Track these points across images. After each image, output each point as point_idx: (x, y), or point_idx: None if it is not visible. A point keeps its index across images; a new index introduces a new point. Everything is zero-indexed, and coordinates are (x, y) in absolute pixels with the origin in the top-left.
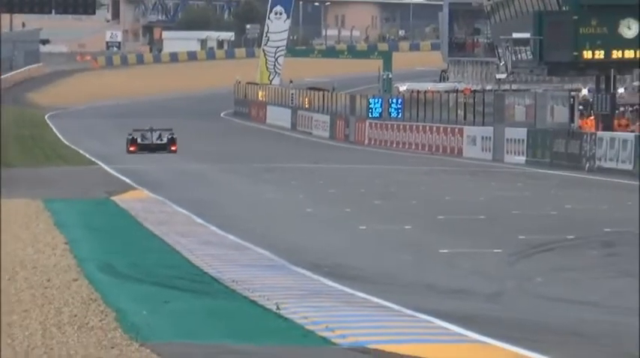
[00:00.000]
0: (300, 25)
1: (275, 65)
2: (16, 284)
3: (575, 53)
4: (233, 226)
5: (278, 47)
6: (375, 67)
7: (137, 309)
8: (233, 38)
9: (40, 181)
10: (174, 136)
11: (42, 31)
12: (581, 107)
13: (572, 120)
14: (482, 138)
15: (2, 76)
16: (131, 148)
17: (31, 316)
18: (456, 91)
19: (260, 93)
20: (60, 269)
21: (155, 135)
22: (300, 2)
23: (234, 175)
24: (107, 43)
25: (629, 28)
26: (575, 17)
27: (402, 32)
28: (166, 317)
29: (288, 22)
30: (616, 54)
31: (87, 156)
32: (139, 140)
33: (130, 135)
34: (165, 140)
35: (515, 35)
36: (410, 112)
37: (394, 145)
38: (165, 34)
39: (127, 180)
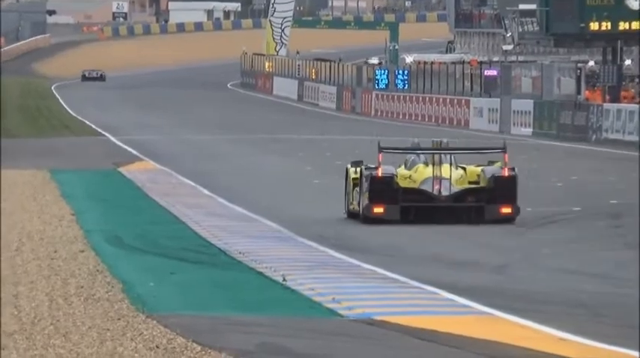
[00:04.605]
0: None
1: (281, 36)
2: (22, 255)
3: (582, 24)
4: (239, 197)
5: (284, 18)
6: (382, 38)
7: (144, 281)
8: (239, 9)
9: (47, 152)
10: (103, 74)
11: (48, 2)
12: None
13: (578, 91)
14: (489, 109)
15: (8, 47)
16: (83, 79)
17: (37, 287)
18: (463, 63)
19: (267, 64)
20: (66, 241)
21: (94, 73)
22: None
23: (240, 146)
24: (114, 13)
25: None
26: None
27: (408, 3)
28: (173, 289)
29: None
30: (623, 25)
31: (93, 126)
32: (86, 75)
33: (82, 73)
34: (99, 75)
35: (521, 6)
36: (416, 84)
37: (400, 117)
38: (172, 4)
39: (134, 151)
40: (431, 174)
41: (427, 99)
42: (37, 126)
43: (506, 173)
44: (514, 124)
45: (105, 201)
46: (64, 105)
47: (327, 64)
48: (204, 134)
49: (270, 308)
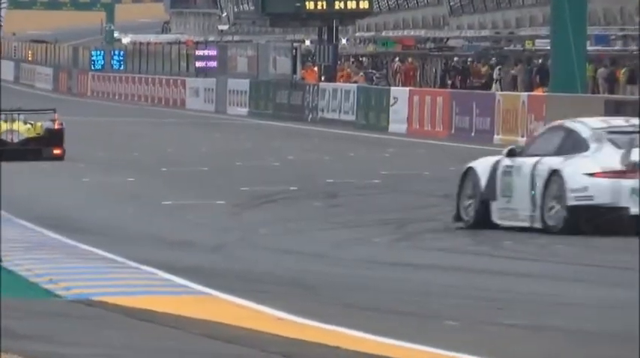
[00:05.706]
0: None
1: None
2: None
3: (298, 4)
4: None
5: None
6: (98, 19)
7: None
8: None
9: None
10: None
11: None
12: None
13: (294, 71)
14: (205, 89)
15: None
16: None
17: None
18: (179, 43)
19: None
20: None
21: None
22: None
23: None
24: None
25: None
26: None
27: None
28: None
29: None
30: (338, 5)
31: None
32: None
33: None
34: None
35: None
36: (133, 64)
37: (117, 97)
38: None
39: None
40: (7, 128)
41: (143, 79)
42: None
43: (56, 126)
44: (230, 104)
45: None
46: None
47: (44, 45)
48: None
49: None
